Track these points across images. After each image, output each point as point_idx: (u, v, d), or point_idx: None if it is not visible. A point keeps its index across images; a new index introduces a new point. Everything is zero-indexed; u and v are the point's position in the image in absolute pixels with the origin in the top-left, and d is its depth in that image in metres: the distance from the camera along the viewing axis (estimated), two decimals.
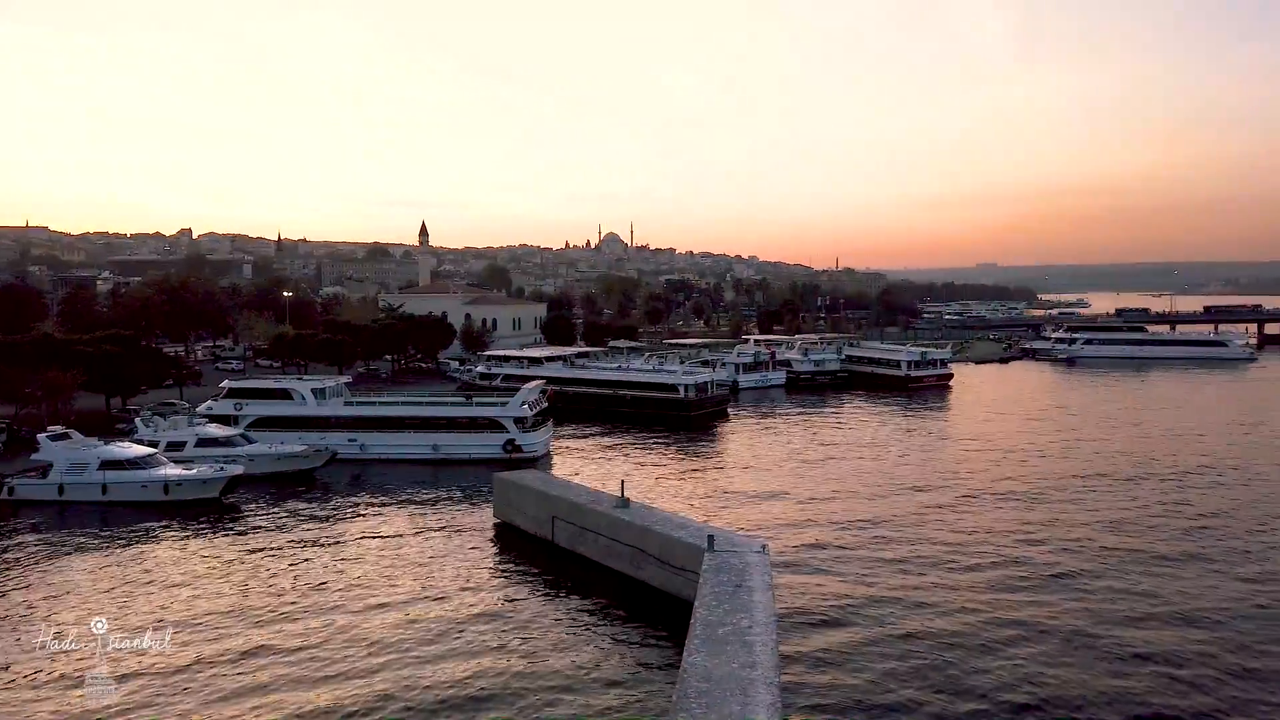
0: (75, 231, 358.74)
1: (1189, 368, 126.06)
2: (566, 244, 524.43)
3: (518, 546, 39.93)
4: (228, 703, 24.52)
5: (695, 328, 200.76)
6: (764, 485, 52.30)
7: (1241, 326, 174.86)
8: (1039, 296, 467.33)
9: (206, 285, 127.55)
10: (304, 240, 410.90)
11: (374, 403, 66.19)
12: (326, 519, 45.42)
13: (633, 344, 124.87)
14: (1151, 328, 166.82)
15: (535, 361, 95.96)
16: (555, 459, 61.77)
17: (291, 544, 40.80)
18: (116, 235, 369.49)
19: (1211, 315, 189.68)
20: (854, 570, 35.63)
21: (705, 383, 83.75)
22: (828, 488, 51.31)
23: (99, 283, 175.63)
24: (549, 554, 38.27)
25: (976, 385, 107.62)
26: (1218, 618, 30.44)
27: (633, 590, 33.01)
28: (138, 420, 59.80)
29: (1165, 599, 32.28)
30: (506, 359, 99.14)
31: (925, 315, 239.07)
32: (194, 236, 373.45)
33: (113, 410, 70.52)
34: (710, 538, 30.15)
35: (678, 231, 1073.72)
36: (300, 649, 28.10)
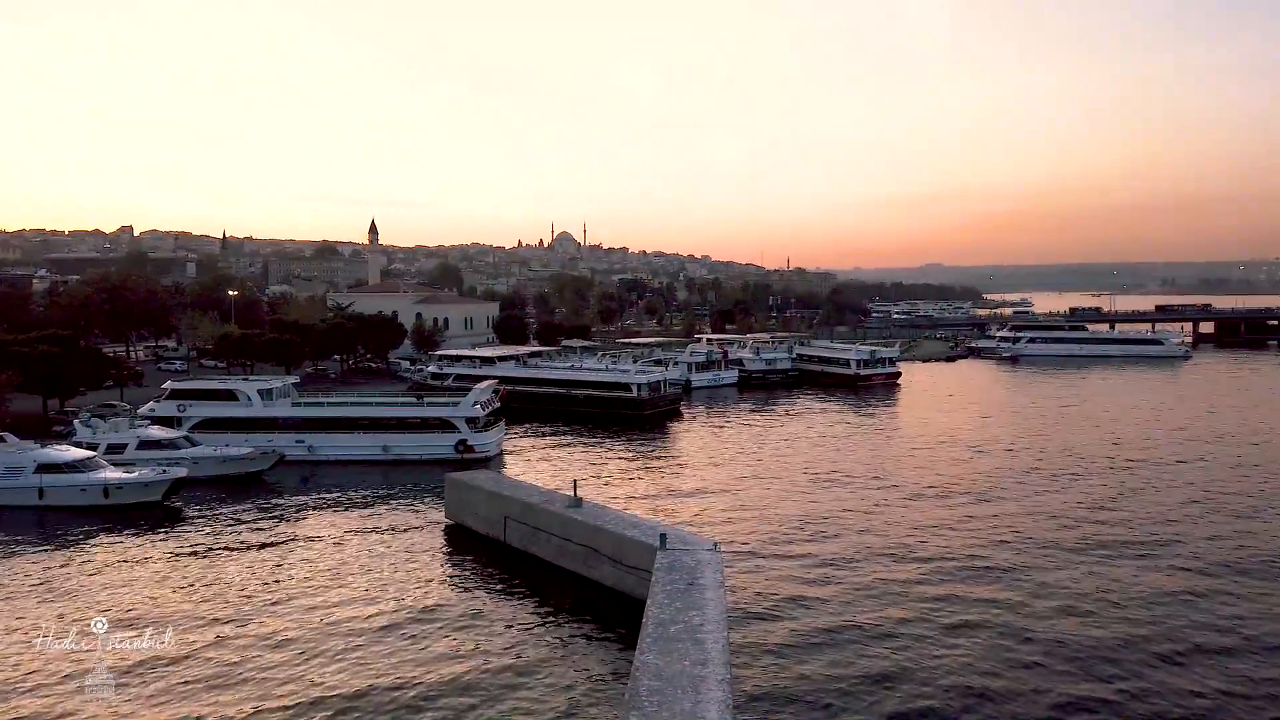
0: (10, 228, 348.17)
1: (1128, 365, 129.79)
2: (519, 243, 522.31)
3: (469, 547, 39.70)
4: (160, 708, 24.06)
5: (648, 327, 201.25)
6: (716, 483, 52.66)
7: (1177, 326, 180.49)
8: (983, 296, 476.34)
9: (148, 284, 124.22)
10: (250, 238, 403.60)
11: (322, 403, 65.27)
12: (273, 522, 44.68)
13: (586, 343, 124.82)
14: (1093, 326, 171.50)
15: (488, 361, 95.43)
16: (508, 459, 61.52)
17: (236, 547, 40.09)
18: (54, 232, 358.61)
19: (1165, 314, 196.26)
20: (806, 566, 36.07)
21: (658, 382, 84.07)
22: (779, 485, 51.85)
23: (35, 281, 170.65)
24: (501, 554, 38.12)
25: (924, 383, 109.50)
26: (1154, 605, 31.41)
27: (585, 590, 33.04)
28: (76, 422, 58.31)
29: (1101, 588, 33.16)
30: (458, 358, 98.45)
31: (874, 314, 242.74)
32: (135, 234, 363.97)
33: (50, 412, 68.55)
34: (663, 536, 30.31)
35: (631, 231, 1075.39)
36: (239, 653, 27.64)
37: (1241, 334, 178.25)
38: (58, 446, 50.91)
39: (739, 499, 48.40)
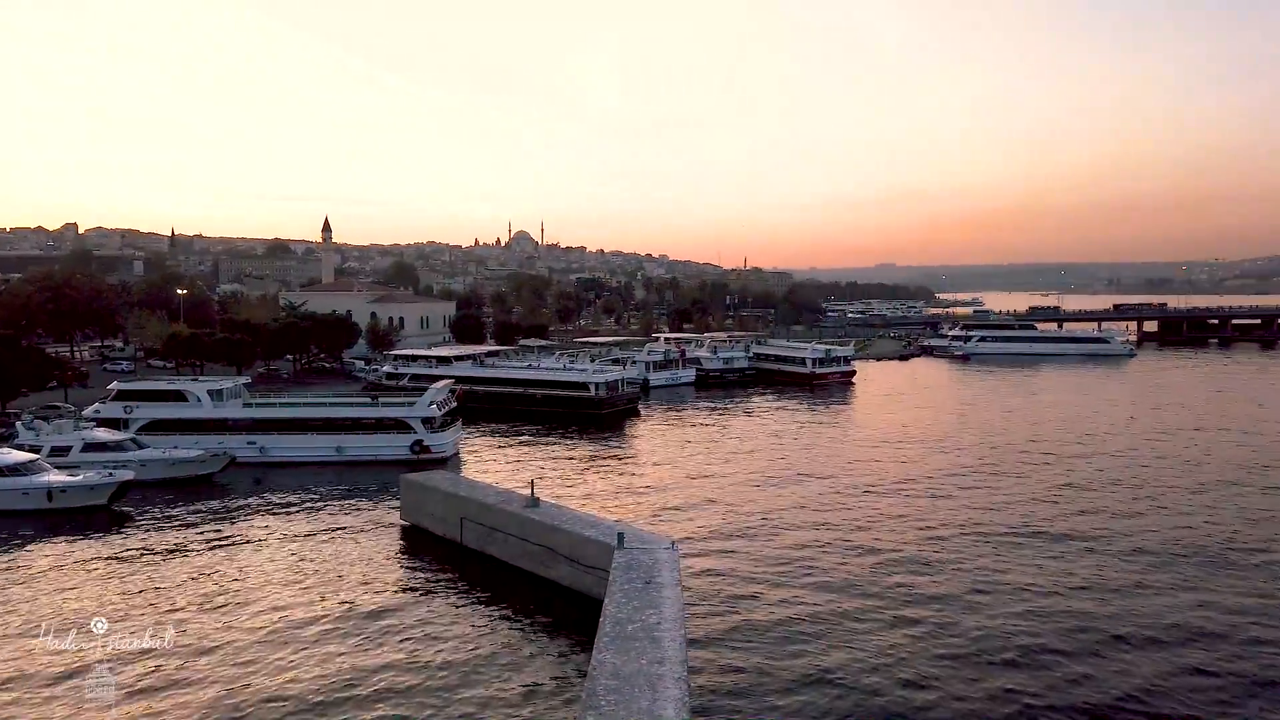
0: None
1: (1075, 363, 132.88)
2: (476, 241, 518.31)
3: (425, 548, 39.40)
4: (106, 711, 23.63)
5: (606, 326, 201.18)
6: (674, 482, 52.85)
7: (1123, 325, 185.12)
8: (936, 296, 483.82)
9: (93, 282, 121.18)
10: (199, 236, 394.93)
11: (275, 404, 64.22)
12: (224, 524, 43.89)
13: (543, 343, 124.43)
14: (1042, 325, 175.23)
15: (444, 360, 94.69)
16: (465, 459, 61.13)
17: (185, 550, 39.31)
18: None
19: (1123, 312, 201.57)
20: (763, 563, 36.38)
21: (616, 381, 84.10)
22: (736, 483, 52.19)
23: None
24: (458, 555, 37.89)
25: (878, 381, 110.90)
26: (1097, 594, 32.22)
27: (543, 590, 32.99)
28: (19, 425, 56.83)
29: (1046, 578, 33.95)
30: (414, 358, 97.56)
31: (829, 314, 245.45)
32: (80, 231, 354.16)
33: None
34: (620, 535, 30.37)
35: (588, 230, 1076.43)
36: (192, 654, 27.16)
37: (1184, 332, 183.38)
38: None
39: (697, 497, 48.62)
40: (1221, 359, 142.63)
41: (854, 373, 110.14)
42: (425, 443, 59.15)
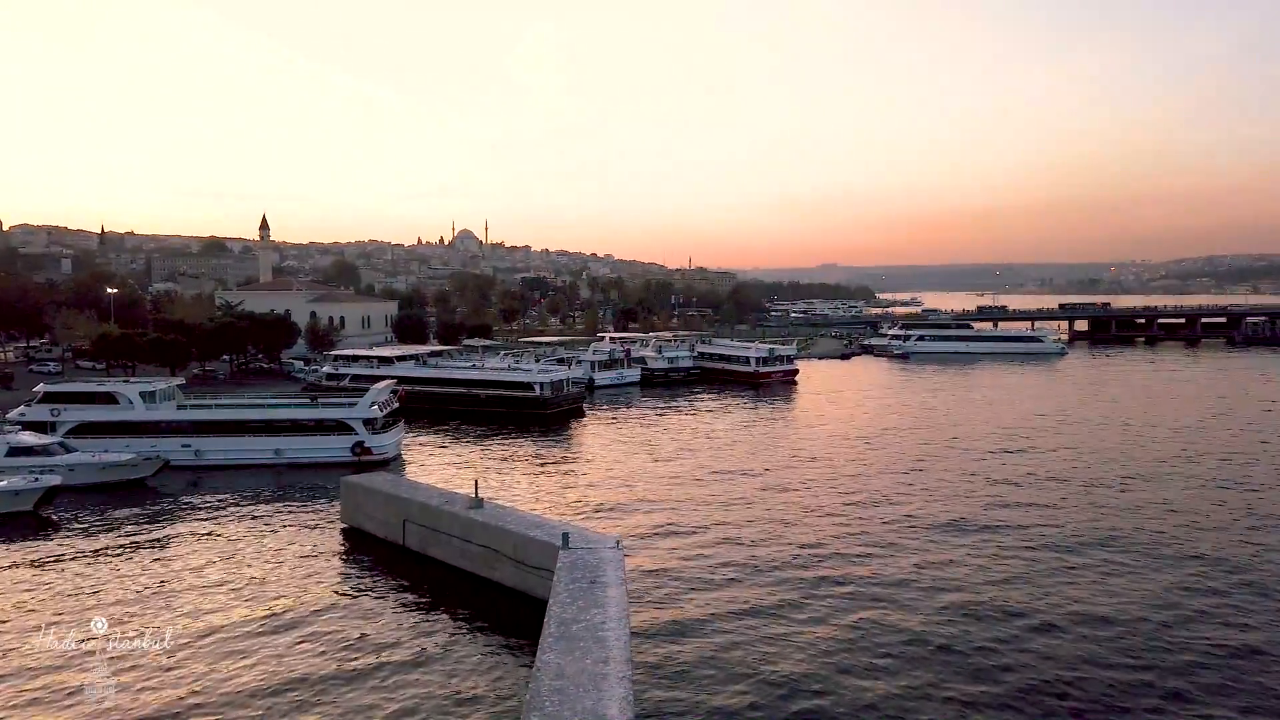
0: None
1: (1009, 361, 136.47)
2: (419, 240, 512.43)
3: (366, 551, 38.87)
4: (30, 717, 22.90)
5: (551, 326, 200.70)
6: (619, 481, 52.94)
7: (1054, 324, 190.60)
8: (876, 295, 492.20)
9: (19, 280, 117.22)
10: (131, 234, 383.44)
11: (210, 406, 62.69)
12: (156, 530, 42.72)
13: (488, 342, 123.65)
14: (978, 325, 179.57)
15: (386, 361, 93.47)
16: (407, 461, 60.44)
17: (116, 556, 38.16)
18: None
19: (1069, 311, 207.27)
20: (708, 561, 36.62)
21: (561, 381, 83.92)
22: (682, 481, 52.45)
23: None
24: (400, 557, 37.47)
25: (820, 380, 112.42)
26: (1026, 581, 33.16)
27: (487, 591, 32.81)
28: None
29: (977, 566, 34.86)
30: (355, 358, 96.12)
31: (773, 313, 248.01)
32: (4, 229, 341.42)
33: None
34: (565, 535, 30.34)
35: (533, 229, 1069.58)
36: (124, 663, 26.42)
37: (1112, 331, 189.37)
38: None
39: (642, 496, 48.77)
40: (1149, 357, 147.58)
41: (797, 371, 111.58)
42: (366, 444, 58.35)
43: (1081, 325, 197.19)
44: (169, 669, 26.47)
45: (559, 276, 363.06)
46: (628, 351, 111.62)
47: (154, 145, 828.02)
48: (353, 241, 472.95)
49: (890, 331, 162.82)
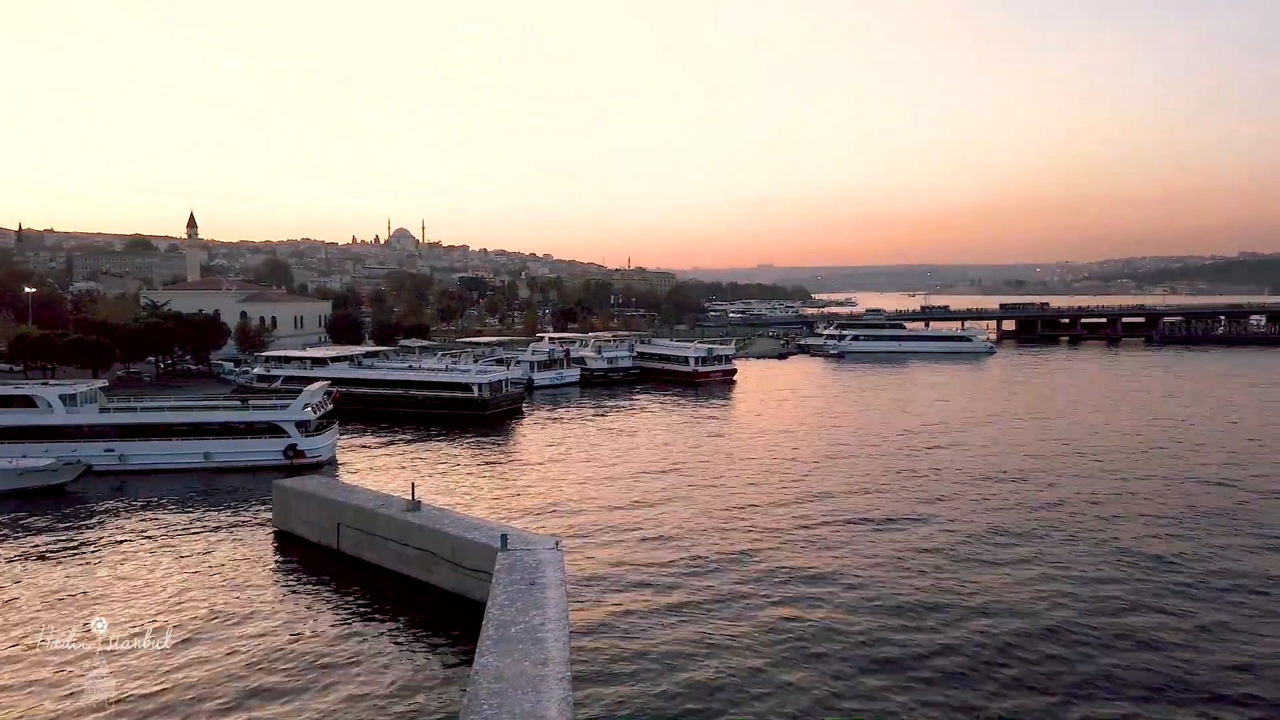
0: None
1: (940, 360, 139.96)
2: (354, 239, 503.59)
3: (299, 556, 38.12)
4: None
5: (490, 326, 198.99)
6: (559, 481, 52.83)
7: (983, 324, 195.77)
8: (812, 296, 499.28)
9: None
10: (50, 231, 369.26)
11: (135, 408, 60.75)
12: (76, 537, 41.24)
13: (425, 343, 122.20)
14: (910, 325, 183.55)
15: (319, 362, 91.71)
16: (342, 464, 59.42)
17: (33, 565, 36.73)
18: None
19: (1005, 311, 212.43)
20: (647, 560, 36.78)
21: (499, 381, 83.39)
22: (621, 481, 52.58)
23: None
24: (334, 562, 36.84)
25: (758, 379, 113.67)
26: (936, 568, 34.10)
27: (424, 595, 32.48)
28: None
29: (896, 551, 35.74)
30: (287, 359, 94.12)
31: (712, 313, 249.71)
32: None
33: None
34: (504, 537, 30.18)
35: (471, 229, 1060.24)
36: (33, 665, 25.51)
37: (1038, 331, 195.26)
38: None
39: (581, 496, 48.76)
40: (1072, 355, 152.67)
41: (735, 371, 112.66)
42: (299, 447, 57.23)
43: (1009, 325, 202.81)
44: (82, 675, 25.60)
45: (498, 276, 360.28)
46: (567, 352, 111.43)
47: (75, 139, 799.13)
48: (285, 240, 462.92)
49: (826, 331, 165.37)
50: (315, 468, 55.30)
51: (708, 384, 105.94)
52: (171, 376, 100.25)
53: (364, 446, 66.14)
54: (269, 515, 42.84)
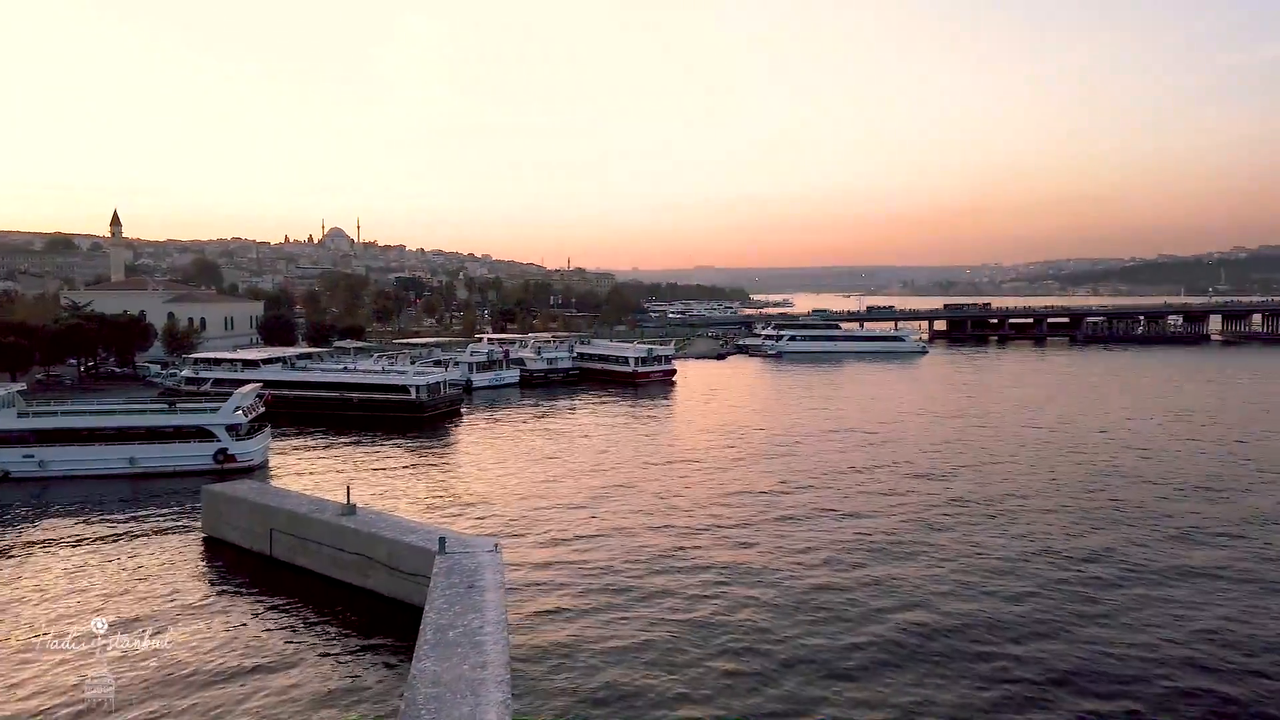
0: None
1: (875, 359, 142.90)
2: (286, 239, 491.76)
3: (231, 563, 37.26)
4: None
5: (427, 327, 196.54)
6: (498, 483, 52.55)
7: (916, 324, 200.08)
8: (750, 296, 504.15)
9: None
10: None
11: (56, 413, 58.61)
12: None
13: (360, 344, 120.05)
14: (846, 325, 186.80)
15: (251, 364, 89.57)
16: (275, 468, 58.21)
17: None
18: None
19: (952, 311, 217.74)
20: (587, 560, 36.85)
21: (437, 383, 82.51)
22: (560, 482, 52.51)
23: None
24: (267, 568, 36.11)
25: (697, 379, 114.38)
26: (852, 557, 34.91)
27: (361, 600, 32.03)
28: None
29: (817, 540, 36.49)
30: (217, 361, 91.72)
31: (652, 314, 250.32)
32: None
33: None
34: (441, 540, 29.93)
35: (408, 229, 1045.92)
36: None
37: (968, 331, 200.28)
38: None
39: (521, 497, 48.57)
40: (1000, 354, 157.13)
41: (674, 371, 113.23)
42: (230, 451, 55.92)
43: (940, 325, 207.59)
44: (11, 685, 24.76)
45: (435, 276, 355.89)
46: (506, 353, 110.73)
47: None
48: (215, 239, 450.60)
49: (764, 331, 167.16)
50: (247, 472, 54.07)
51: (647, 384, 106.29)
52: (95, 380, 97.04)
53: (298, 450, 64.90)
54: (199, 522, 41.78)
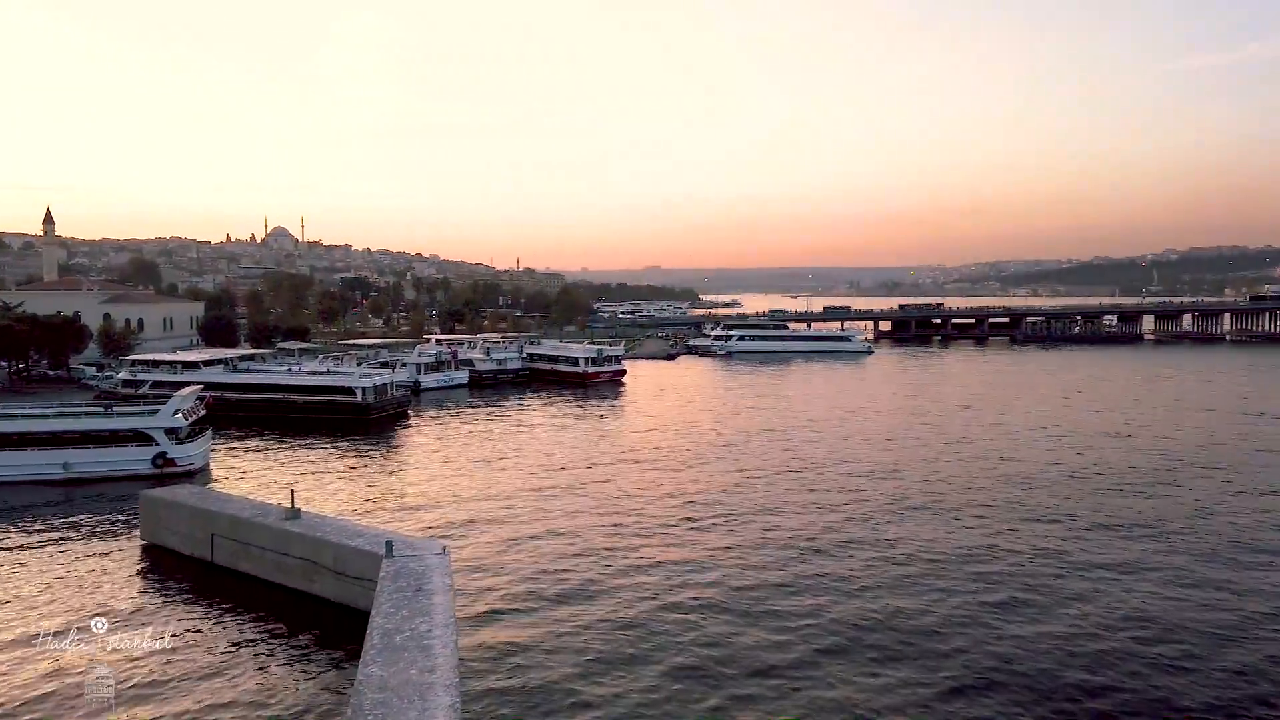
0: None
1: (822, 359, 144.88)
2: (228, 238, 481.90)
3: (170, 569, 36.35)
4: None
5: (374, 327, 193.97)
6: (446, 485, 52.08)
7: (861, 324, 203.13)
8: (700, 297, 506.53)
9: None
10: None
11: None
12: None
13: (305, 345, 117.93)
14: (794, 325, 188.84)
15: (191, 365, 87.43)
16: (216, 472, 56.97)
17: None
18: None
19: (907, 312, 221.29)
20: (536, 562, 36.71)
21: (384, 384, 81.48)
22: (509, 483, 52.21)
23: None
24: (208, 574, 35.31)
25: (647, 379, 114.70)
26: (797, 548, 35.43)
27: (306, 605, 31.48)
28: None
29: (772, 534, 36.94)
30: (156, 363, 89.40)
31: (602, 314, 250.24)
32: None
33: None
34: (389, 543, 29.58)
35: (354, 228, 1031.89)
36: None
37: (912, 330, 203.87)
38: None
39: (469, 500, 48.20)
40: (943, 354, 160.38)
41: (624, 372, 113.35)
42: (169, 455, 54.58)
43: (885, 325, 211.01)
44: None
45: (382, 276, 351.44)
46: (455, 353, 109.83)
47: None
48: (153, 238, 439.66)
49: (714, 332, 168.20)
50: (187, 476, 52.85)
51: (597, 385, 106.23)
52: (27, 382, 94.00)
53: (240, 454, 63.60)
54: (136, 528, 40.70)
